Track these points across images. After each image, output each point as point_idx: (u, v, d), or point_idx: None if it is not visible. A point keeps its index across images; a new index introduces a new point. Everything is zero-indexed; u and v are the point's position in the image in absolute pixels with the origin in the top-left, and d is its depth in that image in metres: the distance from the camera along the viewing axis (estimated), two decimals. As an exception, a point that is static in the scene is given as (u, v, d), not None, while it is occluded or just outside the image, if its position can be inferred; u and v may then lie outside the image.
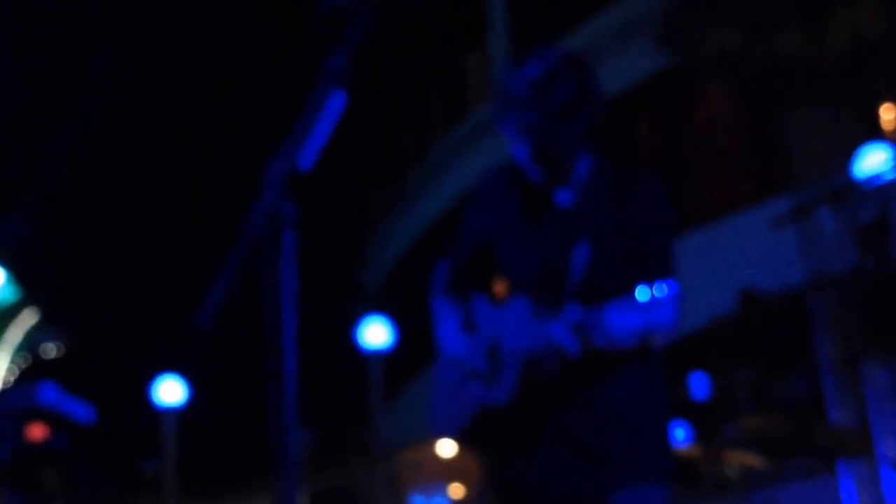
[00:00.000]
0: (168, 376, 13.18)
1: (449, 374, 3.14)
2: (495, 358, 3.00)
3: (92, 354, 14.62)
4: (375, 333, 13.93)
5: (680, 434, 10.12)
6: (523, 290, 3.00)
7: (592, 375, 2.93)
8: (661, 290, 2.66)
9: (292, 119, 2.16)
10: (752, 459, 6.79)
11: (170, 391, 13.20)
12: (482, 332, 3.08)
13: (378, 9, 2.38)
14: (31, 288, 12.80)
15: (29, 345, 12.40)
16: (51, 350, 12.55)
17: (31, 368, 12.28)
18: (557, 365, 2.88)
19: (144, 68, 15.19)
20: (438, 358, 3.21)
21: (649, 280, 2.72)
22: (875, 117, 10.66)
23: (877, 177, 7.90)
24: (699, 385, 10.28)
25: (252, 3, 14.39)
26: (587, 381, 2.94)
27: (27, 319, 12.49)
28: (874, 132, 10.16)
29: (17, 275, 12.73)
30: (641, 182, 3.00)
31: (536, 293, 2.96)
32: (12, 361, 12.20)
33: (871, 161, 8.20)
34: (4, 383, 12.01)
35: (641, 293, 2.67)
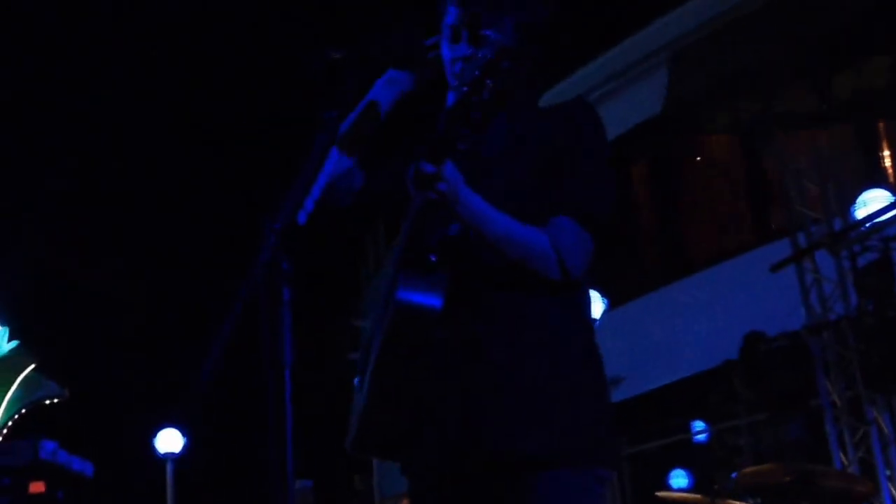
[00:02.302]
0: (168, 428, 13.11)
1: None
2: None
3: (91, 407, 14.58)
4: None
5: (682, 480, 10.05)
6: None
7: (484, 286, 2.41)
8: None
9: (289, 173, 2.17)
10: (755, 506, 6.72)
11: (169, 442, 13.12)
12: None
13: (374, 63, 2.39)
14: (29, 341, 12.78)
15: (28, 398, 12.35)
16: (50, 403, 12.50)
17: (31, 422, 12.24)
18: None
19: (146, 114, 15.26)
20: None
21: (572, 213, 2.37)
22: (875, 160, 10.70)
23: (877, 220, 7.91)
24: (700, 430, 10.23)
25: (247, 57, 14.49)
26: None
27: (26, 372, 12.46)
28: (874, 175, 10.19)
29: (15, 328, 12.72)
30: (560, 114, 2.56)
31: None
32: (11, 415, 12.15)
33: (870, 204, 8.22)
34: (3, 438, 11.94)
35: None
